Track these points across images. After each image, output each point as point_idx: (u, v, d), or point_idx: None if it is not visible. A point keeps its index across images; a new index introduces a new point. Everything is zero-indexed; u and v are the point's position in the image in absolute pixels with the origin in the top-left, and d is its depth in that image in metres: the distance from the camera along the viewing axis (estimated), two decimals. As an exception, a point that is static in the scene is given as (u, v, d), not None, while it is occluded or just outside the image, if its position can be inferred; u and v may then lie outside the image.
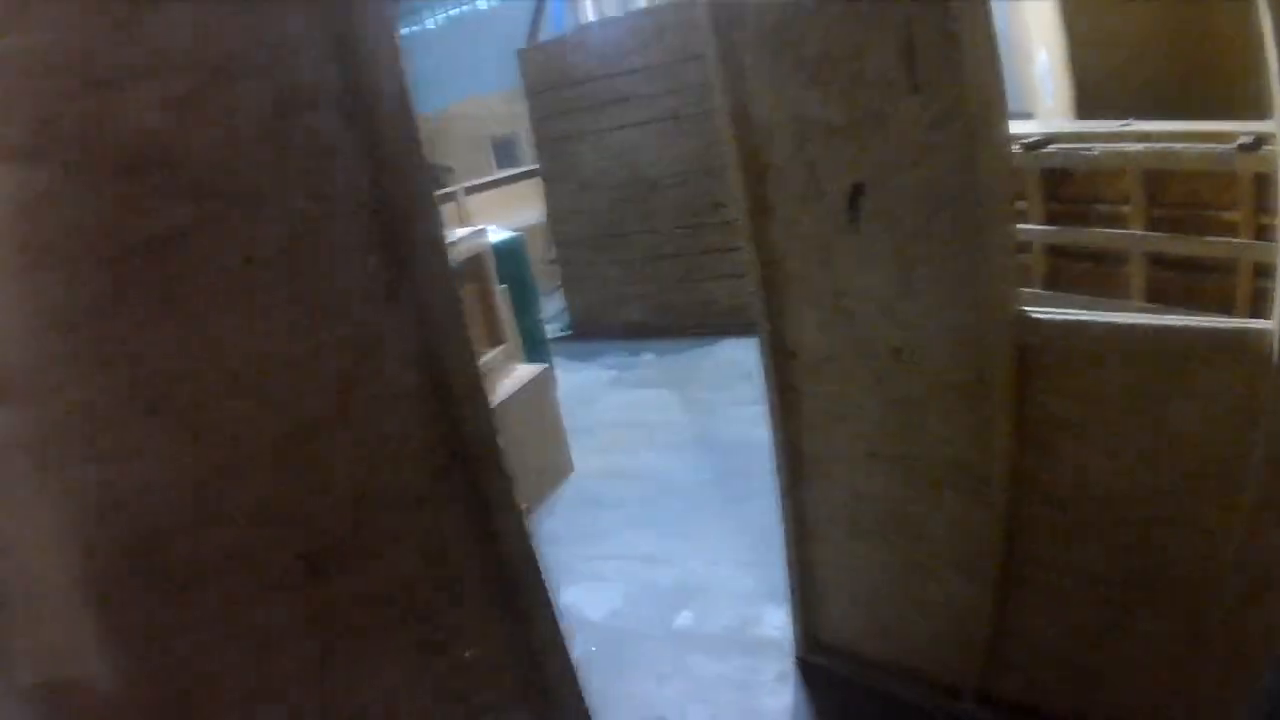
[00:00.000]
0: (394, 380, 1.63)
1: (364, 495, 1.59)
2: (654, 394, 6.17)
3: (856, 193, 2.19)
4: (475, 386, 1.87)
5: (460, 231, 4.99)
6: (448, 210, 10.40)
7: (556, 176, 7.99)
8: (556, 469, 5.11)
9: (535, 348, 6.29)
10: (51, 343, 1.25)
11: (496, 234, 6.29)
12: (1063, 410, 2.05)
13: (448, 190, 10.72)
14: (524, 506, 1.99)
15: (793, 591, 2.99)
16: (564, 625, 2.22)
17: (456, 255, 4.66)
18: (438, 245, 1.68)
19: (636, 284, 7.70)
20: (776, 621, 3.25)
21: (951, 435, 2.27)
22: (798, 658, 3.06)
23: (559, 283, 8.46)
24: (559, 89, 7.66)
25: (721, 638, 3.34)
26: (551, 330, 8.03)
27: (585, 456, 5.25)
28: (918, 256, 2.14)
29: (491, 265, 5.06)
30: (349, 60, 1.47)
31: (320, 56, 1.45)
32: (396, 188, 1.57)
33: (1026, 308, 2.03)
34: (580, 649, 3.21)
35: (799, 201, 2.37)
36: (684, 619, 3.50)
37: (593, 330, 8.06)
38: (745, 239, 2.54)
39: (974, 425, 2.19)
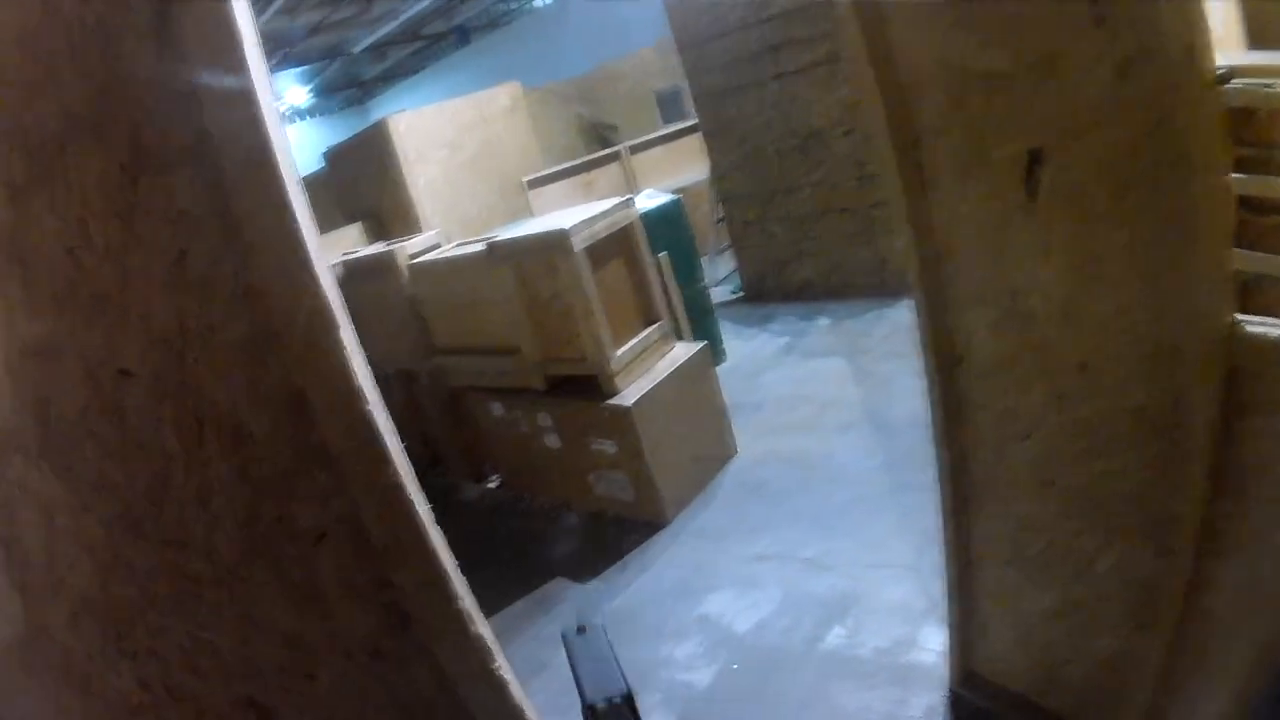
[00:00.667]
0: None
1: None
2: (825, 365, 5.83)
3: (1034, 161, 1.72)
4: (416, 539, 1.61)
5: (609, 201, 4.72)
6: (614, 171, 10.19)
7: (718, 131, 7.63)
8: (718, 453, 4.93)
9: (701, 317, 6.08)
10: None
11: (653, 198, 6.03)
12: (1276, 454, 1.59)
13: (612, 150, 10.50)
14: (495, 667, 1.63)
15: (951, 619, 2.67)
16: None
17: (597, 230, 4.36)
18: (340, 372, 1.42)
19: (807, 242, 7.22)
20: (933, 644, 3.03)
21: (1134, 468, 1.87)
22: (950, 690, 2.80)
23: (728, 242, 8.06)
24: (710, 41, 7.24)
25: (871, 661, 3.13)
26: (722, 293, 7.84)
27: (750, 438, 5.13)
28: (1105, 245, 1.69)
29: (641, 237, 4.75)
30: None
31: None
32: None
33: (1243, 318, 1.57)
34: (721, 666, 3.36)
35: (961, 174, 1.91)
36: (835, 637, 3.31)
37: (765, 292, 7.70)
38: (899, 221, 2.08)
39: (1162, 460, 1.79)
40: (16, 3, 1.23)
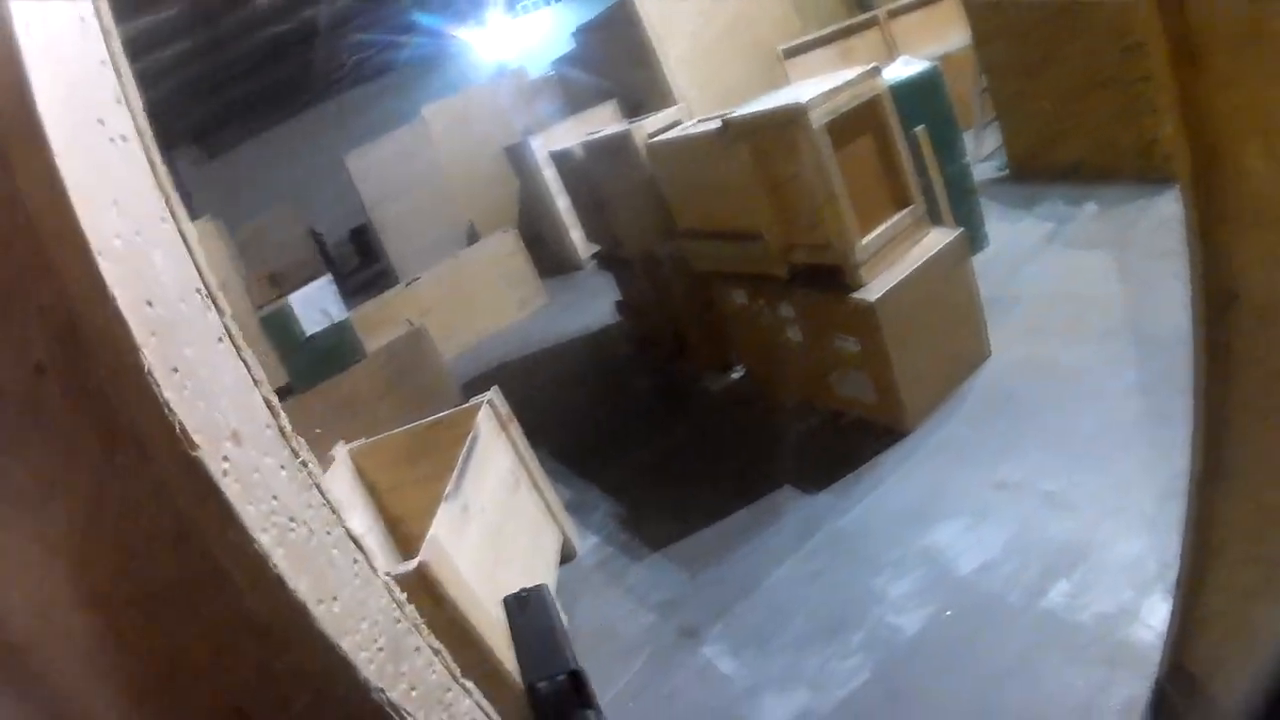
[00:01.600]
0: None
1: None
2: (1090, 259, 5.22)
3: None
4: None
5: (853, 70, 4.23)
6: (872, 38, 9.62)
7: None
8: (969, 354, 4.46)
9: (962, 197, 5.56)
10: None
11: (909, 66, 5.52)
12: None
13: (869, 15, 9.90)
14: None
15: (1174, 604, 2.27)
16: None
17: (840, 103, 3.98)
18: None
19: (1073, 118, 6.35)
20: (1154, 620, 2.67)
21: None
22: (1155, 680, 2.44)
23: (993, 115, 7.30)
24: None
25: (1088, 631, 2.80)
26: (988, 170, 7.15)
27: (1005, 339, 4.66)
28: None
29: (890, 110, 4.22)
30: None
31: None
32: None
33: None
34: (934, 612, 3.14)
35: (1246, 42, 1.37)
36: (1058, 594, 2.98)
37: (1031, 170, 6.91)
38: (1166, 106, 1.53)
39: None
40: None
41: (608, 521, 4.72)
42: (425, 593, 2.92)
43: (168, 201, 1.20)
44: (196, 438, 1.08)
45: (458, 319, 9.71)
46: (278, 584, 1.17)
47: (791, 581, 3.61)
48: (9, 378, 1.12)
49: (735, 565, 3.86)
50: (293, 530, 1.22)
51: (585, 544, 4.57)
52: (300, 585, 1.19)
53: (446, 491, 3.52)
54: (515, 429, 4.35)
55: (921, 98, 5.44)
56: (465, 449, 3.84)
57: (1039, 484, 3.51)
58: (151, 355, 1.05)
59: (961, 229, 4.52)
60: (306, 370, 6.57)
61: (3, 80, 1.02)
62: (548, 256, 11.51)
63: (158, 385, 1.05)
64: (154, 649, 1.25)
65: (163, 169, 1.22)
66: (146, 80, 15.03)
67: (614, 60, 10.99)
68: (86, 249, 1.02)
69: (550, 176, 9.76)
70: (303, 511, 1.26)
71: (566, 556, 4.48)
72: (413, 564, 2.96)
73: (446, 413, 4.47)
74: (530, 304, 10.09)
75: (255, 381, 1.25)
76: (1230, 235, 1.59)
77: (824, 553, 3.68)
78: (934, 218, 4.91)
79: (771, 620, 3.45)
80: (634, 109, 10.80)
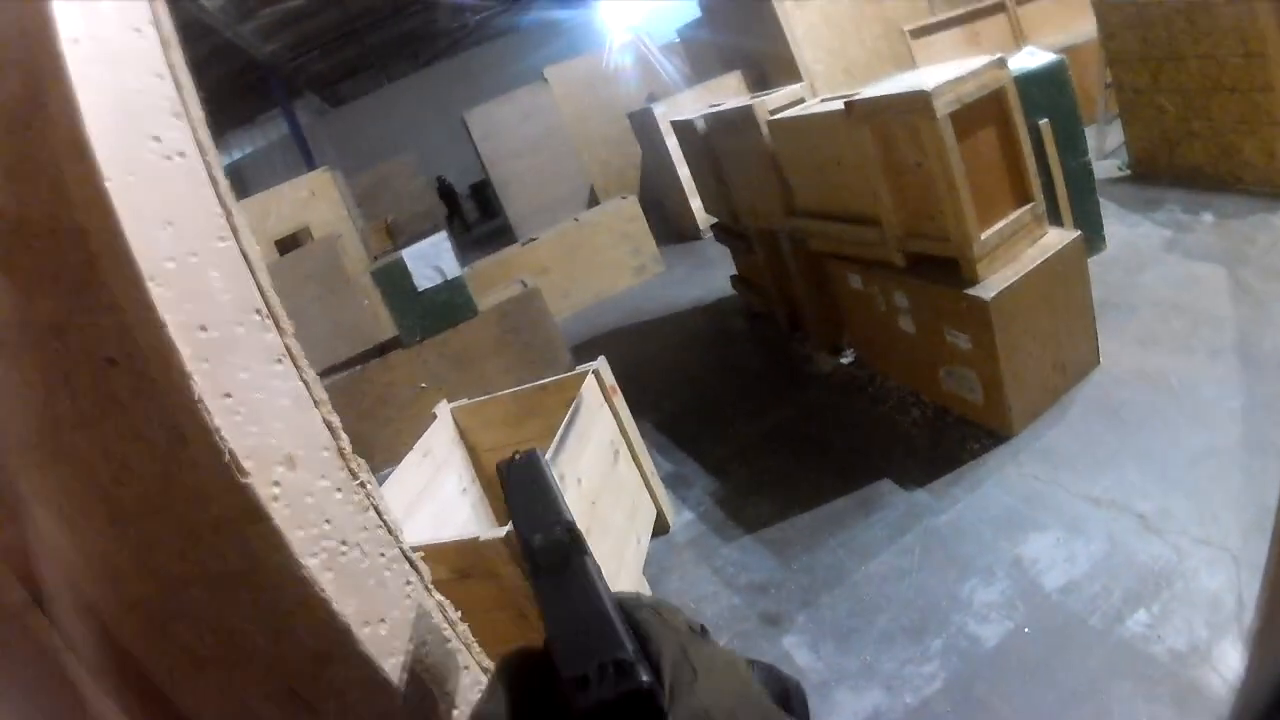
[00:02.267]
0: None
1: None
2: (1205, 270, 4.99)
3: None
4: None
5: (980, 59, 4.07)
6: (1000, 23, 9.39)
7: None
8: (1079, 361, 4.32)
9: (1082, 195, 5.38)
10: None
11: (1034, 56, 5.34)
12: None
13: (997, 0, 9.63)
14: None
15: (1247, 660, 2.06)
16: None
17: (965, 92, 3.84)
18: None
19: (1196, 120, 6.04)
20: (1225, 665, 2.66)
21: None
22: None
23: (1117, 111, 6.98)
24: None
25: (1162, 665, 2.76)
26: (1109, 168, 6.87)
27: (1117, 347, 4.54)
28: None
29: (1014, 102, 4.07)
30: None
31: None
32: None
33: None
34: (1015, 626, 3.12)
35: None
36: (1137, 622, 2.94)
37: (1153, 172, 6.61)
38: None
39: None
40: None
41: (704, 498, 4.70)
42: (514, 562, 2.93)
43: (229, 219, 1.18)
44: (246, 464, 1.07)
45: (573, 281, 9.77)
46: (323, 607, 1.16)
47: (880, 578, 3.58)
48: (77, 365, 1.11)
49: (827, 555, 3.84)
50: (344, 554, 1.20)
51: (680, 519, 4.57)
52: (347, 608, 1.18)
53: (546, 457, 3.53)
54: (619, 400, 4.35)
55: (1047, 90, 5.28)
56: (567, 418, 3.84)
57: (1134, 503, 3.44)
58: (203, 381, 1.03)
59: (1080, 231, 4.37)
60: (417, 324, 6.65)
61: (51, 97, 1.00)
62: (667, 224, 11.50)
63: (208, 412, 1.03)
64: (214, 625, 1.26)
65: (224, 184, 1.19)
66: (268, 31, 15.45)
67: (740, 29, 10.92)
68: (137, 274, 1.00)
69: (673, 145, 9.68)
70: (356, 534, 1.24)
71: (660, 530, 4.47)
72: (501, 532, 2.98)
73: (552, 379, 4.48)
74: (647, 271, 10.07)
75: (316, 402, 1.23)
76: None
77: (916, 551, 3.65)
78: (1053, 215, 4.78)
79: (855, 616, 3.43)
80: (759, 79, 10.73)
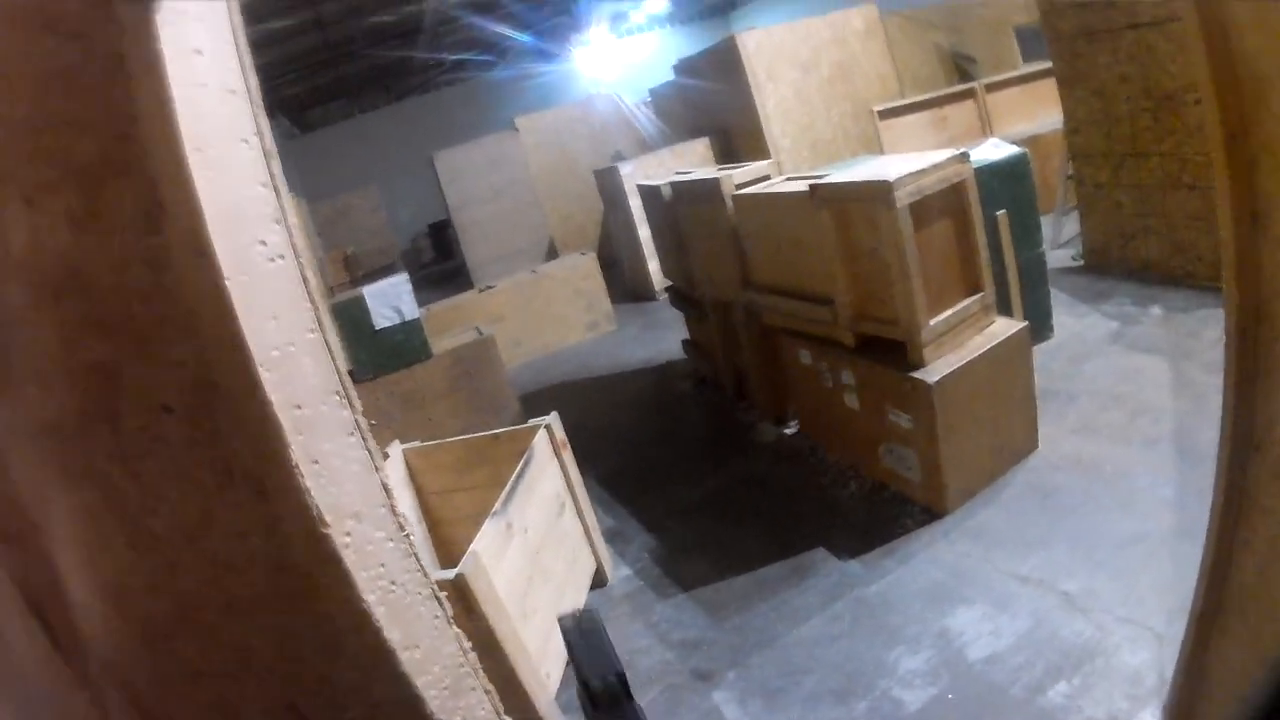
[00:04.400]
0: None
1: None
2: (1150, 363, 5.28)
3: None
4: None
5: (944, 152, 4.36)
6: (968, 109, 9.67)
7: (1071, 79, 6.85)
8: (1018, 445, 4.55)
9: (1034, 286, 5.65)
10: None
11: (998, 149, 5.61)
12: None
13: (968, 85, 9.98)
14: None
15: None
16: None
17: (926, 185, 4.09)
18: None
19: (1152, 216, 6.40)
20: None
21: None
22: None
23: (1075, 203, 7.33)
24: None
25: None
26: (1063, 257, 7.24)
27: (1055, 433, 4.79)
28: None
29: (972, 196, 4.34)
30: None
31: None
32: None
33: None
34: (938, 692, 3.26)
35: None
36: (1057, 693, 3.09)
37: (1105, 263, 6.98)
38: (1223, 253, 1.65)
39: None
40: (60, 44, 1.23)
41: (643, 555, 4.84)
42: (459, 602, 3.09)
43: (316, 313, 1.41)
44: (328, 517, 1.29)
45: (526, 331, 9.90)
46: (375, 634, 1.39)
47: (810, 641, 3.73)
48: (128, 406, 1.32)
49: (759, 617, 3.99)
50: (393, 591, 1.43)
51: (618, 573, 4.70)
52: (393, 635, 1.41)
53: (494, 509, 3.68)
54: (568, 455, 4.49)
55: (1007, 182, 5.52)
56: (518, 470, 3.99)
57: (1061, 583, 3.61)
58: (297, 450, 1.26)
59: (1026, 322, 4.61)
60: (371, 361, 6.76)
61: (181, 208, 1.22)
62: (623, 283, 11.71)
63: (301, 475, 1.26)
64: (225, 643, 1.47)
65: (314, 281, 1.42)
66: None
67: (712, 97, 11.18)
68: (248, 358, 1.22)
69: (636, 205, 9.92)
70: (401, 575, 1.47)
71: (598, 583, 4.62)
72: (451, 573, 3.12)
73: (505, 430, 4.63)
74: (599, 328, 10.25)
75: (375, 468, 1.46)
76: (1263, 391, 1.70)
77: (846, 618, 3.80)
78: (1003, 303, 5.02)
79: (784, 676, 3.57)
80: (726, 147, 10.97)
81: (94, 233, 1.27)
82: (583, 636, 1.56)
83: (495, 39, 19.49)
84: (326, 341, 1.42)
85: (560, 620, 1.60)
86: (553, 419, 4.47)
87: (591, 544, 4.60)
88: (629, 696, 1.37)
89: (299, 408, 1.30)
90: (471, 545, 3.33)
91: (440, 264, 21.51)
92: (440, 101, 24.26)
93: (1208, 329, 5.45)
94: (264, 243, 1.32)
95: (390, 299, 6.74)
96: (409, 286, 6.84)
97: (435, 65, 21.28)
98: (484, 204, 13.70)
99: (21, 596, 1.50)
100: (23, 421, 1.39)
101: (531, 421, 4.49)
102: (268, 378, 1.25)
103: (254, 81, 1.39)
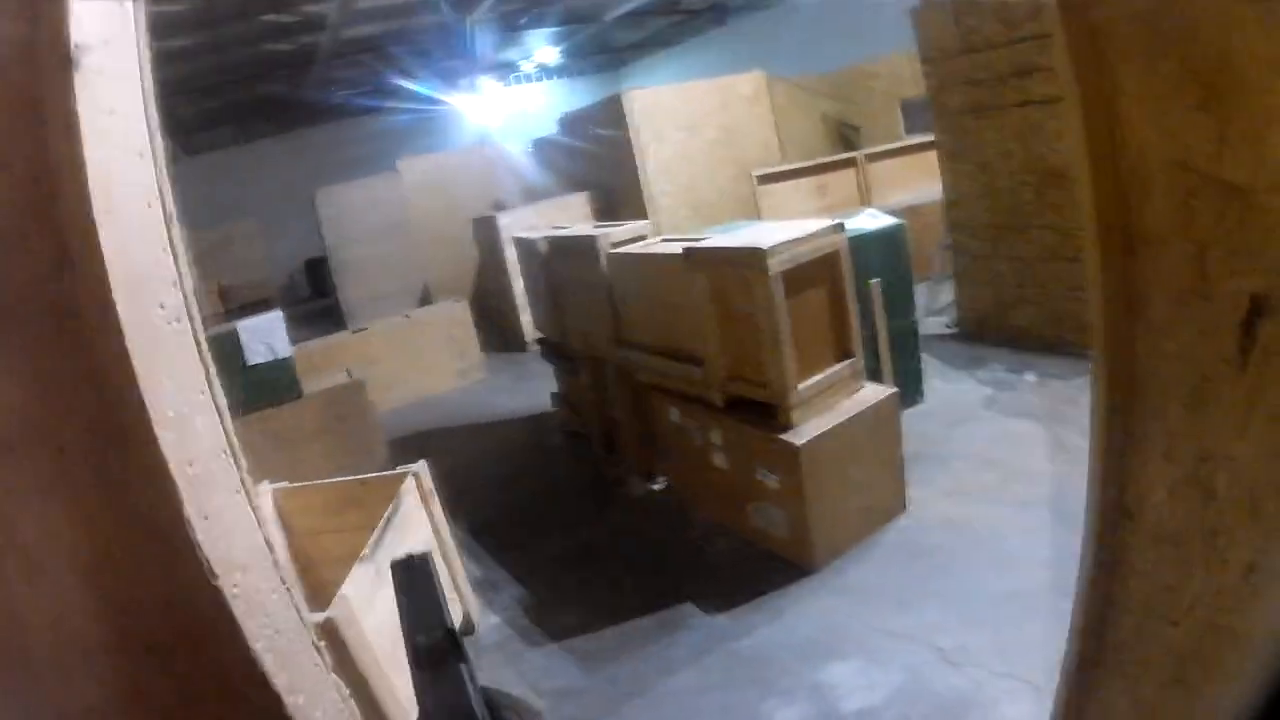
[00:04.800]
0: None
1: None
2: (1022, 428, 5.50)
3: (1254, 311, 1.38)
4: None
5: (817, 223, 4.54)
6: (848, 177, 9.99)
7: (955, 153, 7.19)
8: (886, 506, 4.71)
9: (905, 353, 5.86)
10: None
11: (874, 219, 5.83)
12: None
13: (850, 154, 10.28)
14: None
15: None
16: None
17: (800, 253, 4.25)
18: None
19: (1030, 286, 6.78)
20: None
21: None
22: None
23: (951, 271, 7.67)
24: (956, 55, 6.79)
25: None
26: (937, 324, 7.51)
27: (927, 497, 4.91)
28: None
29: (845, 266, 4.54)
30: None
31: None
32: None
33: None
34: None
35: (1176, 304, 1.56)
36: None
37: (980, 331, 7.29)
38: (1096, 336, 1.72)
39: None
40: None
41: (512, 604, 4.85)
42: (329, 646, 3.10)
43: (207, 374, 1.47)
44: (217, 569, 1.35)
45: (397, 376, 9.82)
46: (263, 679, 1.44)
47: (682, 692, 3.77)
48: (32, 447, 1.37)
49: (631, 667, 4.01)
50: (277, 640, 1.48)
51: (487, 622, 4.70)
52: (279, 681, 1.47)
53: (363, 554, 3.68)
54: (436, 504, 4.50)
55: (881, 252, 5.71)
56: (387, 516, 3.99)
57: (935, 639, 3.68)
58: (190, 506, 1.32)
59: (895, 388, 4.79)
60: (242, 396, 6.61)
61: (89, 265, 1.28)
62: (495, 332, 11.69)
63: (192, 529, 1.32)
64: (122, 683, 1.51)
65: (205, 344, 1.48)
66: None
67: (595, 153, 11.32)
68: (148, 419, 1.29)
69: (511, 257, 9.95)
70: (286, 625, 1.52)
71: (465, 632, 4.55)
72: (320, 617, 3.08)
73: (374, 475, 4.61)
74: (470, 375, 10.23)
75: (260, 523, 1.52)
76: (1137, 463, 1.76)
77: (717, 670, 3.85)
78: (874, 370, 5.21)
79: None
80: (606, 203, 11.09)
81: (4, 271, 1.31)
82: (411, 585, 1.54)
83: (385, 78, 19.41)
84: (215, 402, 1.47)
85: (391, 565, 1.60)
86: (420, 467, 4.47)
87: (459, 592, 4.57)
88: (459, 654, 1.35)
89: (191, 465, 1.35)
90: (341, 589, 3.33)
91: (315, 301, 21.17)
92: (325, 137, 23.96)
93: (1083, 395, 5.47)
94: (163, 306, 1.38)
95: (264, 335, 6.67)
96: (283, 324, 6.79)
97: (323, 100, 21.08)
98: (362, 244, 13.62)
99: None
100: None
101: (400, 468, 4.48)
102: (164, 436, 1.30)
103: (160, 144, 1.44)
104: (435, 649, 1.33)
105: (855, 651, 3.75)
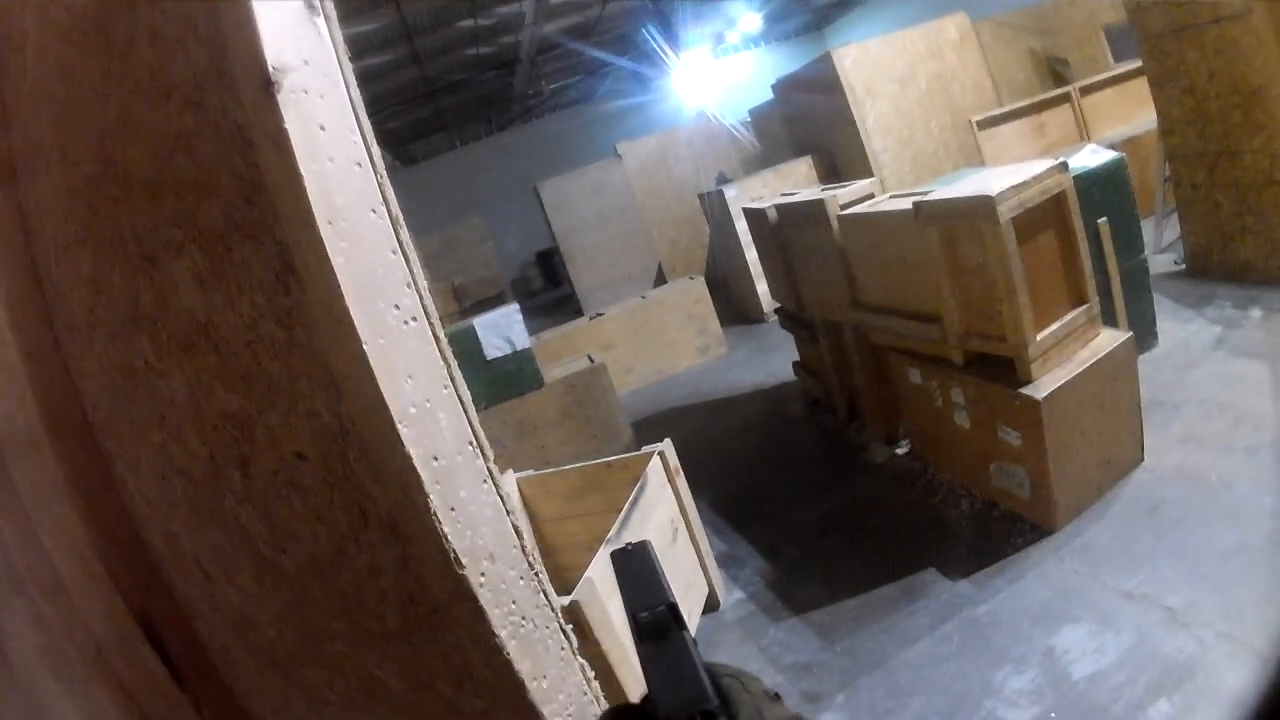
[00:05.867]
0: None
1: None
2: (1250, 369, 5.16)
3: None
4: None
5: (1043, 163, 4.32)
6: (1065, 114, 9.49)
7: (1163, 79, 6.62)
8: (1123, 459, 4.47)
9: (1137, 294, 5.53)
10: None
11: (1095, 155, 5.51)
12: None
13: (1063, 90, 9.78)
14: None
15: None
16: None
17: (1027, 198, 4.06)
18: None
19: (1248, 215, 6.19)
20: None
21: None
22: None
23: (1174, 205, 7.12)
24: None
25: None
26: (1165, 262, 7.05)
27: (1161, 445, 4.68)
28: None
29: (1075, 207, 4.29)
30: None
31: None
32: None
33: None
34: (1040, 712, 3.26)
35: None
36: (1157, 712, 3.06)
37: (1208, 267, 6.74)
38: None
39: None
40: (178, 111, 1.34)
41: (755, 579, 4.87)
42: (574, 629, 3.19)
43: (449, 369, 1.52)
44: (464, 559, 1.40)
45: (636, 358, 9.98)
46: (506, 666, 1.49)
47: (919, 663, 3.74)
48: (258, 452, 1.46)
49: (869, 639, 4.00)
50: (524, 626, 1.53)
51: (730, 598, 4.73)
52: (524, 667, 1.51)
53: (609, 535, 3.75)
54: (681, 482, 4.54)
55: (1106, 189, 5.47)
56: (633, 496, 4.07)
57: (1165, 598, 3.57)
58: (435, 499, 1.37)
59: (1130, 333, 4.55)
60: (483, 392, 6.85)
61: (316, 276, 1.34)
62: (731, 305, 11.68)
63: (438, 521, 1.37)
64: (352, 673, 1.59)
65: (444, 340, 1.53)
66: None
67: (812, 115, 11.18)
68: (389, 417, 1.34)
69: (742, 228, 9.88)
70: (532, 611, 1.57)
71: (710, 608, 4.65)
72: (566, 600, 3.18)
73: (619, 457, 4.70)
74: (710, 352, 10.24)
75: (508, 511, 1.56)
76: None
77: (954, 639, 3.80)
78: (1108, 314, 4.99)
79: (892, 698, 3.59)
80: (828, 165, 10.94)
81: (221, 291, 1.40)
82: (632, 569, 1.58)
83: (593, 65, 19.75)
84: (459, 395, 1.52)
85: (611, 555, 1.63)
86: (666, 446, 4.52)
87: (704, 569, 4.63)
88: (681, 627, 1.37)
89: (436, 459, 1.41)
90: (586, 572, 3.40)
91: (548, 292, 21.86)
92: (541, 130, 24.63)
93: None
94: (398, 306, 1.43)
95: (501, 329, 6.89)
96: (520, 317, 6.98)
97: (535, 94, 21.65)
98: (590, 231, 13.87)
99: (139, 627, 1.64)
100: (149, 465, 1.53)
101: (645, 448, 4.55)
102: (406, 433, 1.36)
103: (377, 152, 1.50)
104: (657, 623, 1.35)
105: (1088, 614, 3.66)
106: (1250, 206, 6.25)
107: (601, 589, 3.36)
